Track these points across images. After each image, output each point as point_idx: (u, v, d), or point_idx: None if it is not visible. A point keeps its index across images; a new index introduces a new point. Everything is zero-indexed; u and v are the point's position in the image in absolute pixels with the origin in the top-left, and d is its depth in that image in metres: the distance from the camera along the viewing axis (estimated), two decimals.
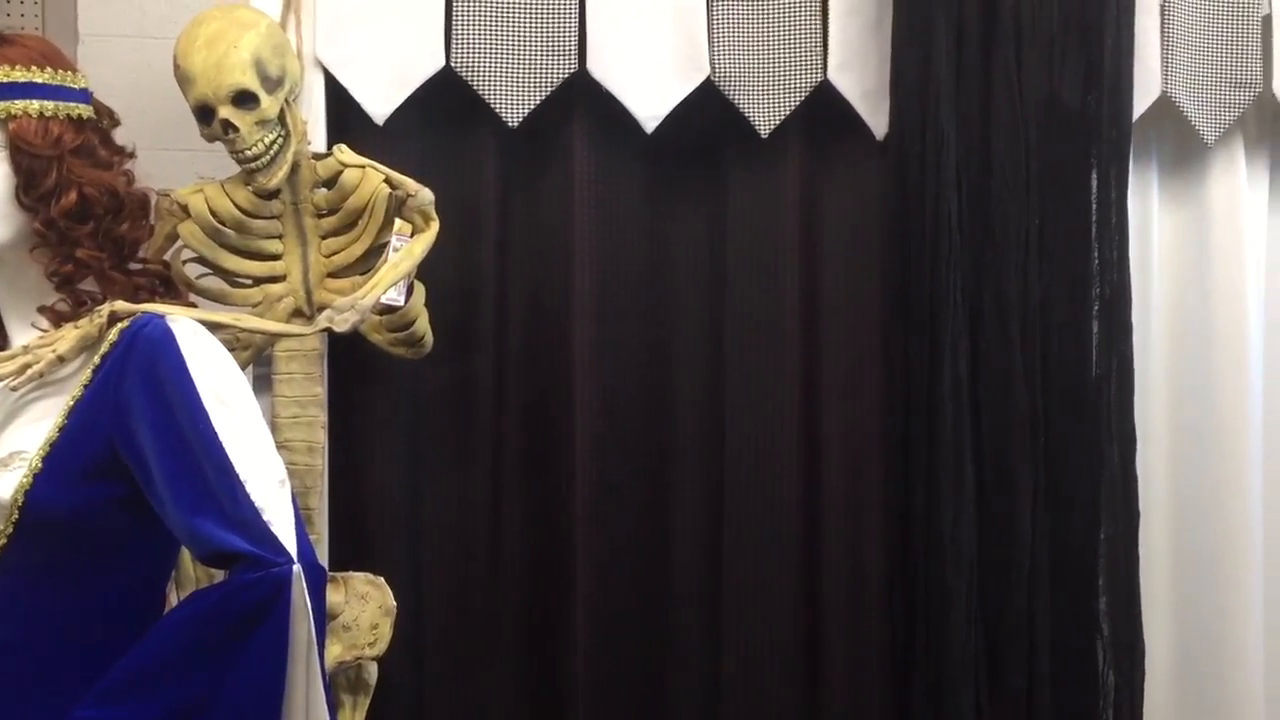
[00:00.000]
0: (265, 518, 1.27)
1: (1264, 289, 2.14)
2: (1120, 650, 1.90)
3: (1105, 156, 1.95)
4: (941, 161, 1.87)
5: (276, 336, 1.61)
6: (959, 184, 1.89)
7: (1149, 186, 2.10)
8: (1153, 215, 2.10)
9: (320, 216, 1.68)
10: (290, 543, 1.27)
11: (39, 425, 1.34)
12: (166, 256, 1.63)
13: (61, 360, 1.36)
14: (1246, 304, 2.09)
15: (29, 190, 1.37)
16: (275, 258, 1.67)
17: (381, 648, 1.68)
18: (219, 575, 1.42)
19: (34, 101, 1.37)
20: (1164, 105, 2.03)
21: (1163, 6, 1.99)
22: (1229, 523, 2.07)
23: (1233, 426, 2.08)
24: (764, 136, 1.91)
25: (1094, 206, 1.95)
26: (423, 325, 1.75)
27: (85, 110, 1.42)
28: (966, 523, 1.85)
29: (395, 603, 1.69)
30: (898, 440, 1.89)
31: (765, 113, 1.90)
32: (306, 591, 1.26)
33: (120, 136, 1.49)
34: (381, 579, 1.70)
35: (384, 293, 1.61)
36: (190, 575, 1.59)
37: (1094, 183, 1.96)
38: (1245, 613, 2.06)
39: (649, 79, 1.86)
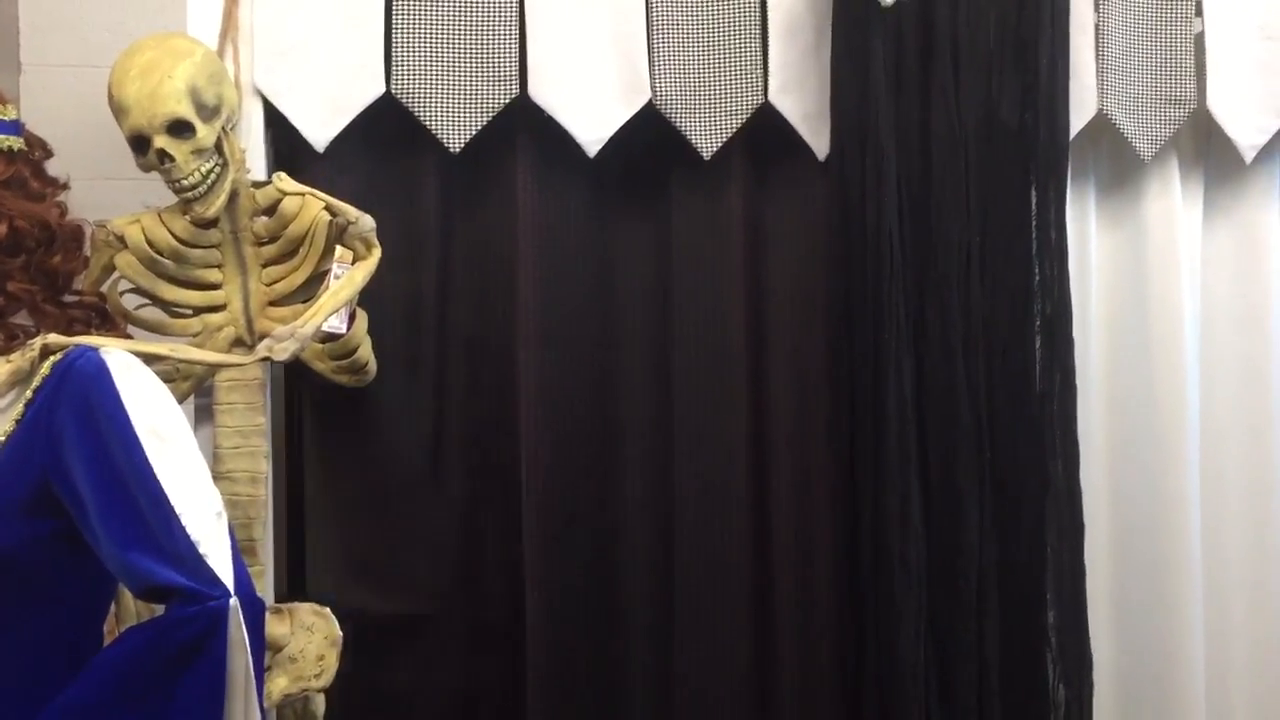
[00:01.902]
0: (201, 550, 1.26)
1: (1199, 304, 2.17)
2: (1069, 664, 1.92)
3: (1043, 174, 1.97)
4: (882, 181, 1.89)
5: (216, 367, 1.60)
6: (900, 203, 1.91)
7: (1086, 205, 2.13)
8: (1090, 233, 2.13)
9: (260, 245, 1.67)
10: (227, 576, 1.26)
11: None
12: (104, 288, 1.62)
13: None
14: (1182, 319, 2.12)
15: None
16: (215, 287, 1.66)
17: (328, 679, 1.66)
18: (160, 610, 1.40)
19: None
20: (1100, 123, 2.06)
21: (1097, 25, 2.02)
22: (1169, 531, 2.09)
23: (1171, 439, 2.10)
24: (706, 159, 1.92)
25: (1034, 224, 1.97)
26: (365, 352, 1.74)
27: (16, 142, 1.41)
28: (914, 539, 1.86)
29: (341, 633, 1.67)
30: (844, 460, 1.90)
31: (707, 136, 1.91)
32: (244, 624, 1.25)
33: (64, 165, 1.48)
34: (327, 609, 1.68)
35: (325, 320, 1.60)
36: (131, 610, 1.57)
37: (1033, 200, 1.98)
38: (1186, 621, 2.09)
39: (590, 103, 1.87)
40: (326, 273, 1.66)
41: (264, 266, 1.68)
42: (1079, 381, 2.00)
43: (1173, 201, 2.10)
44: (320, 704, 1.70)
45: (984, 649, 1.87)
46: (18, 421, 1.33)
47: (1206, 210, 2.17)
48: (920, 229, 1.92)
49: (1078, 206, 2.08)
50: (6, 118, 1.41)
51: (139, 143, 1.58)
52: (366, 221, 1.67)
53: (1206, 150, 2.17)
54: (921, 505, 1.88)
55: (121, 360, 1.35)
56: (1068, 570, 1.92)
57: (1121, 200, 2.14)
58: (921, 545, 1.87)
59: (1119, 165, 2.12)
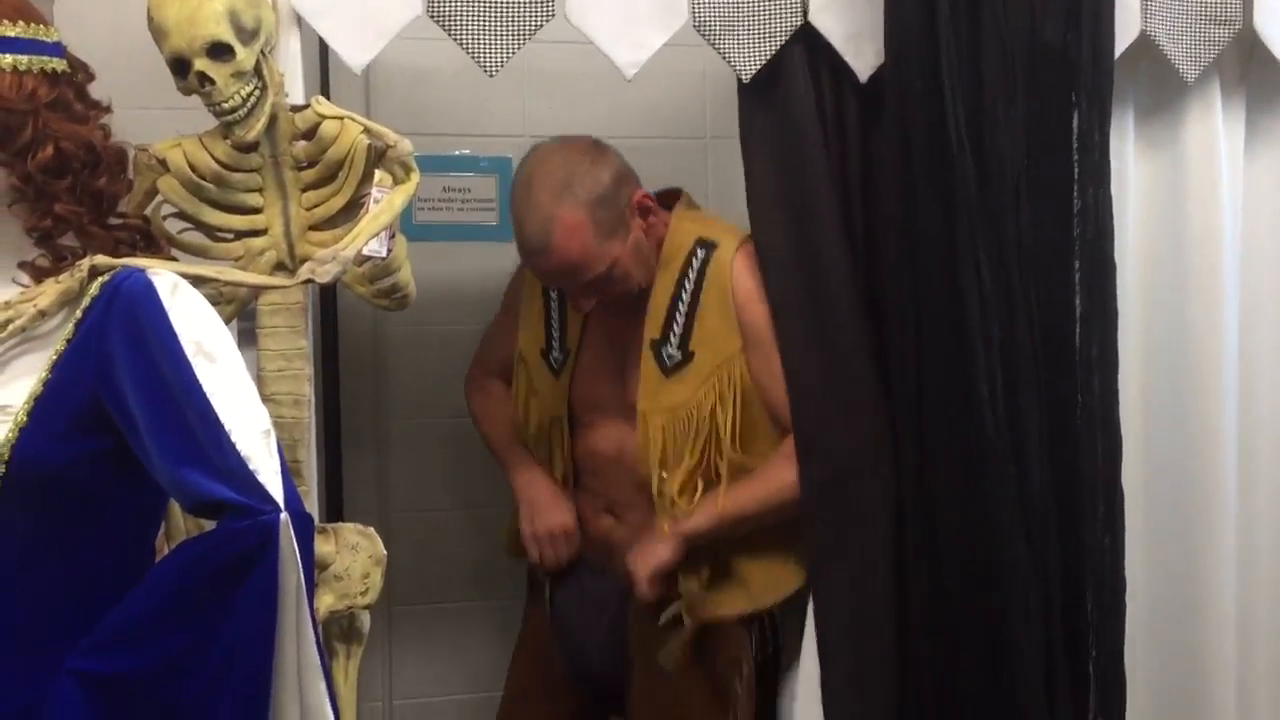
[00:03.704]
0: (251, 467, 1.28)
1: (1240, 232, 2.15)
2: (1107, 576, 1.94)
3: (1086, 96, 1.95)
4: (945, 103, 1.86)
5: (259, 289, 1.62)
6: (952, 126, 1.88)
7: (1125, 130, 2.10)
8: (1128, 159, 2.10)
9: (300, 169, 1.68)
10: (277, 491, 1.28)
11: (23, 380, 1.34)
12: (146, 212, 1.63)
13: (43, 315, 1.36)
14: (1222, 247, 2.10)
15: (4, 145, 1.36)
16: (256, 211, 1.67)
17: (373, 596, 1.70)
18: (208, 527, 1.43)
19: (7, 55, 1.36)
20: (1142, 44, 2.03)
21: None
22: (1203, 462, 2.10)
23: (1207, 368, 2.09)
24: (745, 81, 1.90)
25: (1075, 147, 1.95)
26: (405, 276, 1.75)
27: (59, 64, 1.41)
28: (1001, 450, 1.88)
29: (385, 551, 1.70)
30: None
31: (746, 58, 1.89)
32: (295, 539, 1.27)
33: (98, 94, 1.48)
34: (371, 529, 1.72)
35: (365, 244, 1.61)
36: (180, 528, 1.60)
37: (1075, 123, 1.96)
38: (1218, 540, 2.10)
39: (628, 25, 1.85)
40: (366, 197, 1.67)
41: (304, 191, 1.68)
42: (1120, 309, 1.99)
43: (1214, 126, 2.07)
44: (366, 621, 1.74)
45: (1046, 572, 1.90)
46: (68, 341, 1.35)
47: (1249, 135, 2.14)
48: (975, 151, 1.90)
49: (1116, 131, 2.05)
50: (49, 39, 1.41)
51: (179, 66, 1.58)
52: (405, 145, 1.67)
53: (1249, 73, 2.13)
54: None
55: (168, 281, 1.37)
56: (1104, 490, 1.93)
57: (1161, 125, 2.11)
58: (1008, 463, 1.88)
59: (1159, 89, 2.09)
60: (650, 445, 1.95)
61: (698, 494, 1.94)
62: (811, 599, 1.96)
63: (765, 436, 1.98)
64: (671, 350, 1.96)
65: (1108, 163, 1.96)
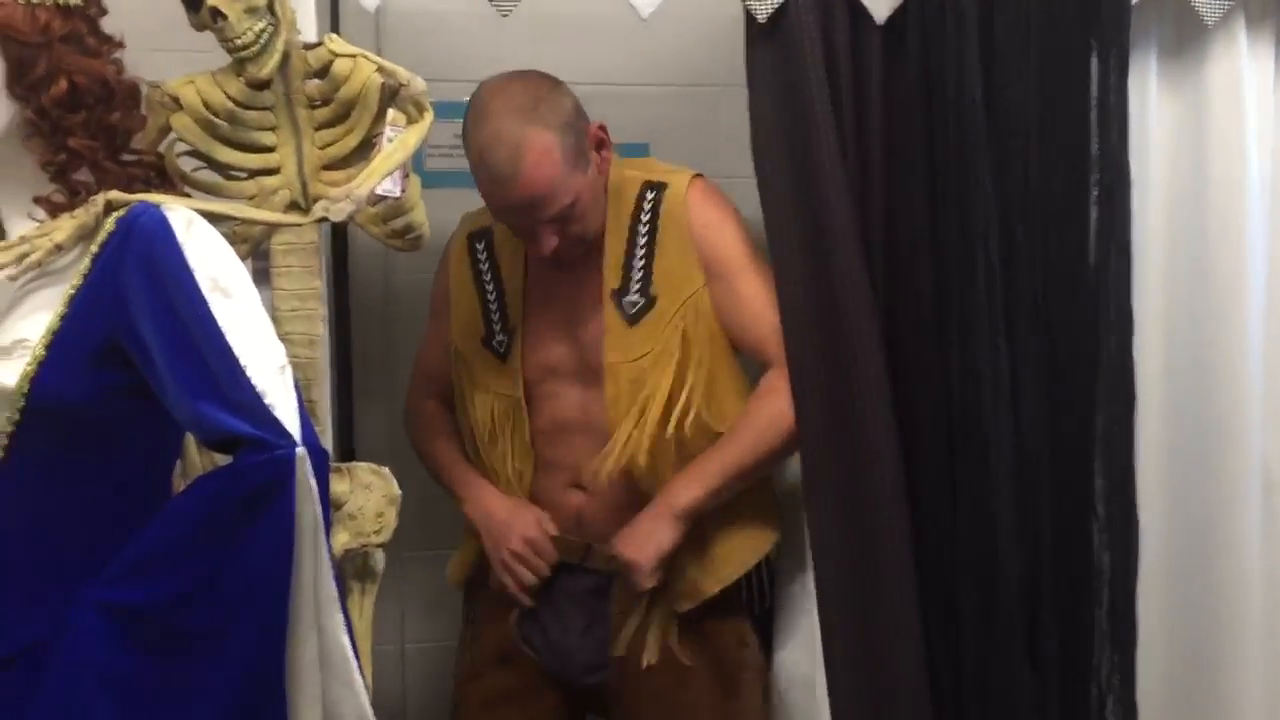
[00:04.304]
0: (267, 401, 1.29)
1: (1269, 173, 2.12)
2: (1115, 532, 1.93)
3: (1105, 40, 1.92)
4: (963, 46, 1.85)
5: (272, 227, 1.62)
6: (967, 69, 1.87)
7: (1147, 69, 2.07)
8: (1150, 98, 2.07)
9: (313, 108, 1.67)
10: (293, 426, 1.29)
11: (40, 314, 1.35)
12: (160, 149, 1.62)
13: (59, 249, 1.36)
14: (1246, 190, 2.06)
15: (19, 79, 1.36)
16: (269, 149, 1.66)
17: (387, 535, 1.71)
18: (222, 463, 1.44)
19: None
20: None
21: None
22: (1224, 410, 2.07)
23: (1231, 314, 2.07)
24: (761, 21, 1.88)
25: (1093, 91, 1.93)
26: (418, 216, 1.75)
27: None
28: (1002, 405, 1.87)
29: (399, 491, 1.71)
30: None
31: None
32: (311, 473, 1.28)
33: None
34: (385, 469, 1.73)
35: (378, 183, 1.60)
36: (196, 464, 1.61)
37: (1093, 66, 1.93)
38: (1239, 490, 2.07)
39: None
40: (379, 136, 1.66)
41: (317, 129, 1.68)
42: (1138, 253, 1.97)
43: (1237, 65, 2.04)
44: (380, 559, 1.75)
45: (1037, 518, 1.89)
46: (84, 276, 1.36)
47: (1278, 72, 2.10)
48: (987, 95, 1.88)
49: (1138, 71, 2.02)
50: None
51: (191, 2, 1.57)
52: (418, 84, 1.66)
53: (1277, 9, 2.10)
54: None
55: (183, 216, 1.37)
56: (1117, 440, 1.92)
57: (1184, 65, 2.07)
58: (1008, 417, 1.87)
59: (1182, 27, 2.06)
60: (621, 397, 1.87)
61: (667, 451, 1.85)
62: (811, 544, 1.90)
63: (732, 393, 1.91)
64: (633, 297, 1.89)
65: (1125, 107, 1.94)
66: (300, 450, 1.28)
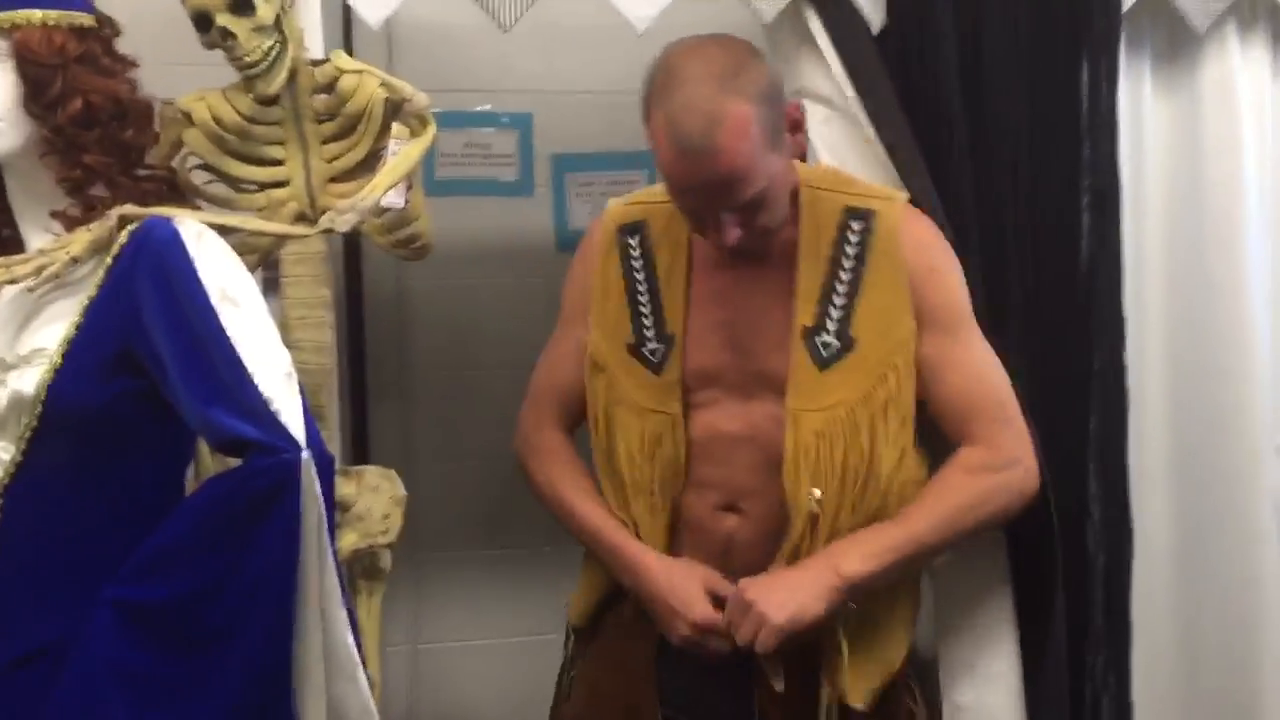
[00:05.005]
0: (273, 407, 1.35)
1: (1268, 173, 2.14)
2: (1110, 534, 1.96)
3: (1095, 48, 1.95)
4: (941, 55, 1.88)
5: (281, 238, 1.67)
6: (959, 79, 1.91)
7: (1142, 74, 2.10)
8: (1145, 104, 2.11)
9: (320, 122, 1.72)
10: (299, 431, 1.35)
11: (57, 324, 1.41)
12: (172, 164, 1.68)
13: (75, 261, 1.42)
14: (1242, 191, 2.08)
15: (36, 98, 1.42)
16: (278, 163, 1.72)
17: (393, 535, 1.76)
18: (234, 466, 1.49)
19: (37, 11, 1.42)
20: None
21: None
22: (1227, 410, 2.10)
23: (1231, 314, 2.09)
24: (765, 23, 1.92)
25: (1084, 99, 1.97)
26: (423, 226, 1.80)
27: (87, 19, 1.47)
28: None
29: (405, 492, 1.76)
30: None
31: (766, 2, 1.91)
32: (315, 476, 1.33)
33: (122, 51, 1.52)
34: (392, 471, 1.78)
35: (383, 194, 1.66)
36: (209, 466, 1.66)
37: (1084, 75, 1.97)
38: (1249, 491, 2.09)
39: None
40: (384, 149, 1.71)
41: (324, 143, 1.73)
42: (1133, 256, 2.01)
43: (1230, 67, 2.07)
44: (387, 560, 1.80)
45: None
46: (99, 287, 1.41)
47: (1275, 70, 2.12)
48: (972, 102, 1.92)
49: (1132, 76, 2.05)
50: None
51: (202, 21, 1.63)
52: (421, 99, 1.71)
53: (1268, 13, 2.12)
54: None
55: (194, 229, 1.42)
56: (1111, 442, 1.95)
57: (1178, 68, 2.10)
58: None
59: (1175, 29, 2.08)
60: (801, 452, 1.63)
61: (847, 517, 1.63)
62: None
63: (911, 459, 1.68)
64: (828, 338, 1.65)
65: (1115, 114, 1.97)
66: (305, 454, 1.33)
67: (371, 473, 1.77)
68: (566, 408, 1.80)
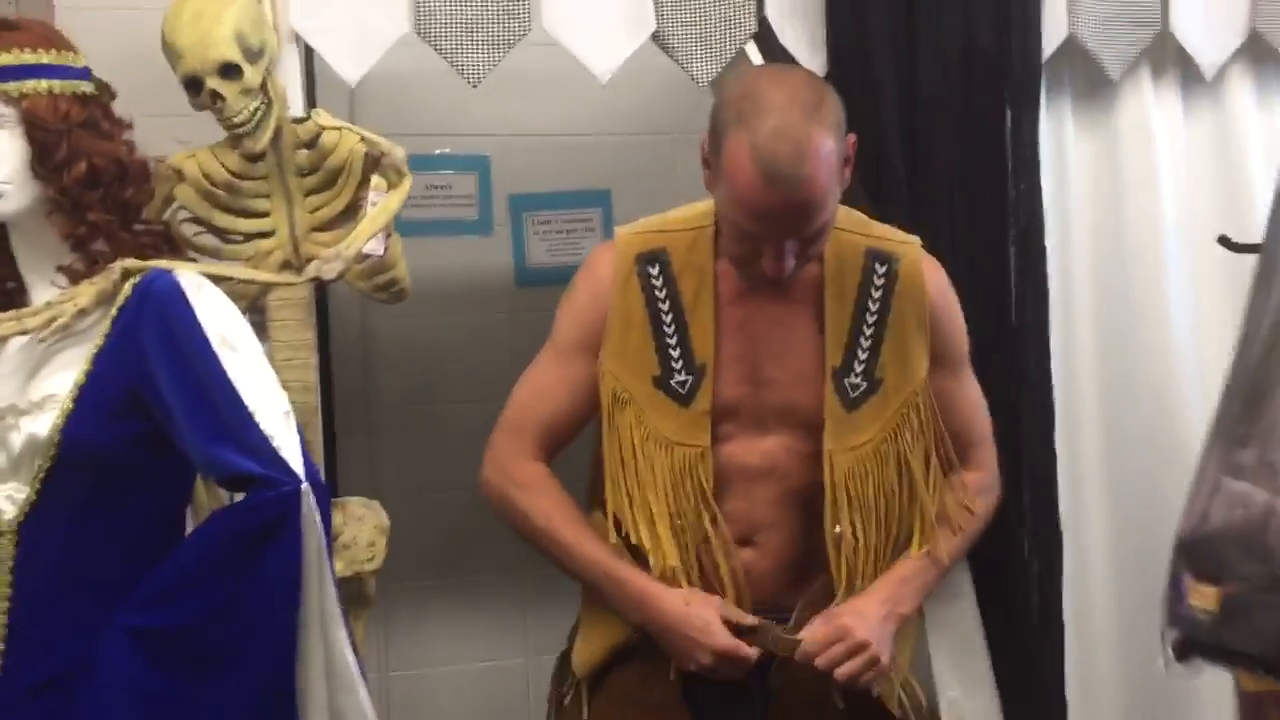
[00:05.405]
0: (274, 444, 1.46)
1: (1182, 205, 2.29)
2: (1041, 539, 2.11)
3: (1017, 95, 2.13)
4: (879, 107, 2.04)
5: (270, 286, 1.78)
6: (893, 124, 2.06)
7: (1064, 117, 2.26)
8: (1068, 142, 2.27)
9: (303, 175, 1.84)
10: (298, 465, 1.46)
11: (67, 372, 1.51)
12: (165, 216, 1.78)
13: (83, 313, 1.52)
14: (1160, 220, 2.26)
15: (43, 162, 1.52)
16: (264, 215, 1.83)
17: (378, 562, 1.86)
18: (226, 501, 1.59)
19: (44, 81, 1.52)
20: (1072, 45, 2.21)
21: None
22: (1154, 425, 2.25)
23: (1153, 334, 2.25)
24: (701, 85, 2.06)
25: (1009, 142, 2.13)
26: (401, 272, 1.92)
27: (88, 87, 1.57)
28: None
29: (389, 521, 1.87)
30: None
31: (704, 63, 2.06)
32: (315, 506, 1.44)
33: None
34: (375, 502, 1.88)
35: (364, 243, 1.77)
36: (204, 503, 1.75)
37: (1008, 120, 2.14)
38: (1171, 504, 2.22)
39: (600, 35, 2.01)
40: (363, 200, 1.83)
41: (307, 195, 1.84)
42: (1064, 283, 2.18)
43: (1145, 107, 2.24)
44: (372, 585, 1.90)
45: None
46: (106, 336, 1.51)
47: (1186, 111, 2.30)
48: (907, 147, 2.07)
49: (1055, 116, 2.21)
50: (77, 65, 1.57)
51: (193, 84, 1.74)
52: (399, 152, 1.84)
53: (1176, 63, 2.30)
54: None
55: (193, 280, 1.53)
56: (1040, 455, 2.11)
57: (1096, 108, 2.26)
58: None
59: (1093, 74, 2.25)
60: (837, 490, 1.69)
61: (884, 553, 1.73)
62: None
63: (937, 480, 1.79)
64: (855, 379, 1.71)
65: (1037, 156, 2.14)
66: (305, 486, 1.44)
67: (355, 503, 1.87)
68: (553, 438, 1.77)
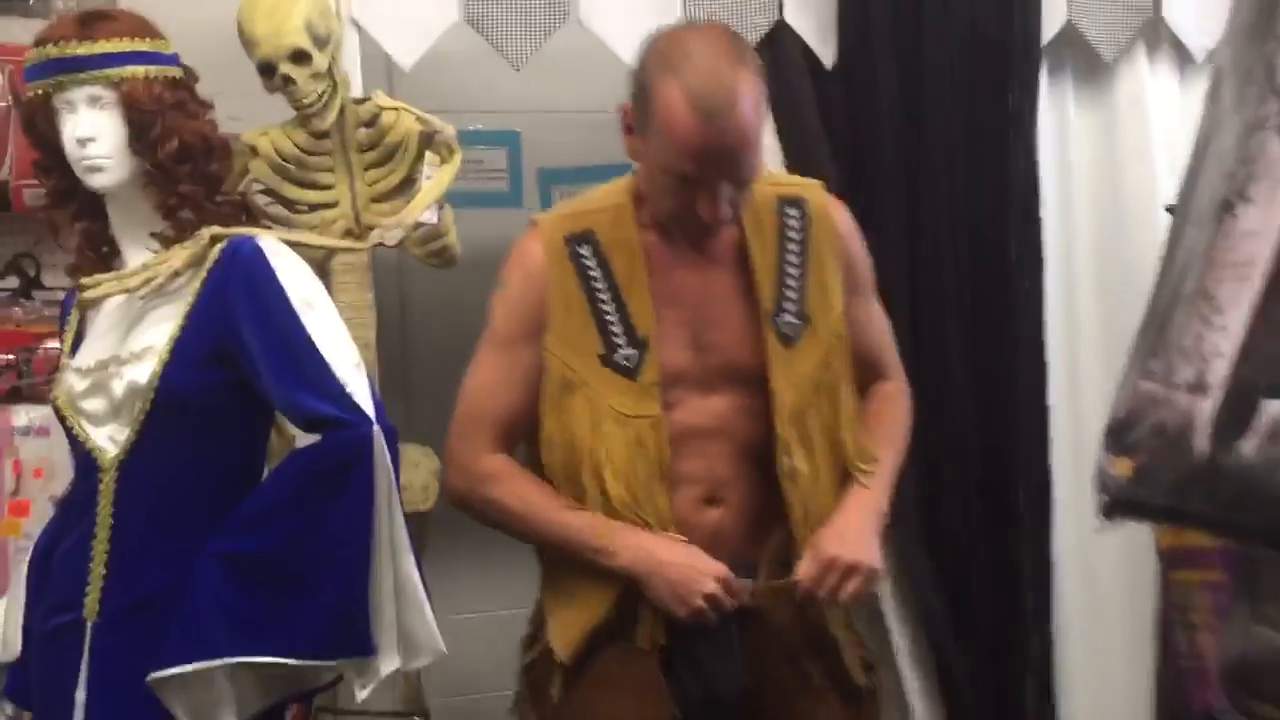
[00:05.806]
0: (348, 390, 1.63)
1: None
2: (1031, 488, 2.30)
3: (1017, 79, 2.30)
4: (882, 89, 2.21)
5: (335, 251, 1.96)
6: (901, 107, 2.23)
7: (1065, 94, 2.43)
8: (1069, 119, 2.44)
9: (363, 151, 2.02)
10: (369, 410, 1.63)
11: (163, 325, 1.68)
12: (240, 188, 1.97)
13: (177, 274, 1.69)
14: (1156, 193, 2.40)
15: (139, 140, 1.69)
16: (328, 187, 2.01)
17: (431, 503, 2.05)
18: (300, 445, 1.77)
19: (140, 66, 1.69)
20: (1070, 30, 2.38)
21: None
22: None
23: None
24: None
25: (1009, 122, 2.31)
26: (452, 239, 2.10)
27: (177, 71, 1.74)
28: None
29: (440, 464, 2.05)
30: None
31: None
32: (385, 447, 1.63)
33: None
34: (429, 448, 2.07)
35: (421, 213, 1.95)
36: (275, 450, 1.93)
37: (1009, 102, 2.31)
38: None
39: (636, 26, 2.16)
40: (418, 174, 2.01)
41: (366, 170, 2.03)
42: (1065, 252, 2.35)
43: (1141, 84, 2.41)
44: (427, 525, 2.09)
45: (969, 470, 2.26)
46: (197, 294, 1.69)
47: (1181, 82, 2.47)
48: (914, 130, 2.25)
49: (1057, 94, 2.37)
50: (167, 51, 1.74)
51: (267, 70, 1.92)
52: (449, 131, 2.02)
53: (1170, 45, 2.47)
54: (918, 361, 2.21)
55: (273, 245, 1.71)
56: (1035, 410, 2.29)
57: (1095, 86, 2.43)
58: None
59: (1093, 54, 2.41)
60: (788, 425, 1.73)
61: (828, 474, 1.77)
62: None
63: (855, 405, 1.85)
64: (788, 318, 1.75)
65: (1035, 134, 2.31)
66: (376, 428, 1.62)
67: (412, 449, 2.06)
68: (509, 432, 1.78)
